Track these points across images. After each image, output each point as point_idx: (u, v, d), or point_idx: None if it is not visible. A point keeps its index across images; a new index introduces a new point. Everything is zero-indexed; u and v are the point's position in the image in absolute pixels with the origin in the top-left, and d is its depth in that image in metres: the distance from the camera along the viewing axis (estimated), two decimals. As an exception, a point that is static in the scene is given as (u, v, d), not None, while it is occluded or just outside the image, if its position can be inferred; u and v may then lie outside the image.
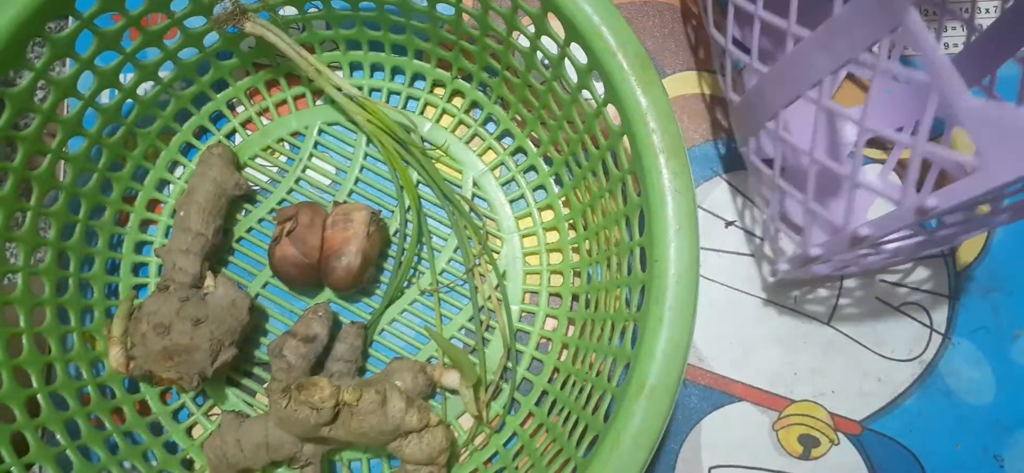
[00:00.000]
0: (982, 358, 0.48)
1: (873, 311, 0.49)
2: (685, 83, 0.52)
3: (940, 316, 0.49)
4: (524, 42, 0.43)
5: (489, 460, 0.47)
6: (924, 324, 0.49)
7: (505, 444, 0.47)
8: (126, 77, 0.47)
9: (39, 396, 0.43)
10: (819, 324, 0.49)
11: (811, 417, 0.48)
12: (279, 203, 0.51)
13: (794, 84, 0.38)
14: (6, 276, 0.43)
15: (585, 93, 0.41)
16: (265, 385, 0.48)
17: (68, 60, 0.42)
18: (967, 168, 0.31)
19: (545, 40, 0.40)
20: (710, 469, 0.48)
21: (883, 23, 0.32)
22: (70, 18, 0.40)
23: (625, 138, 0.37)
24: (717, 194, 0.51)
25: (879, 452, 0.47)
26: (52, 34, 0.40)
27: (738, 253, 0.50)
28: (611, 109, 0.39)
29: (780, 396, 0.48)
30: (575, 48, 0.38)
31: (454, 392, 0.47)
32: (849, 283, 0.49)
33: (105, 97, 0.50)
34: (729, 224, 0.50)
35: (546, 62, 0.42)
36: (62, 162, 0.45)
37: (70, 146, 0.45)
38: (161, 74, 0.48)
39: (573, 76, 0.41)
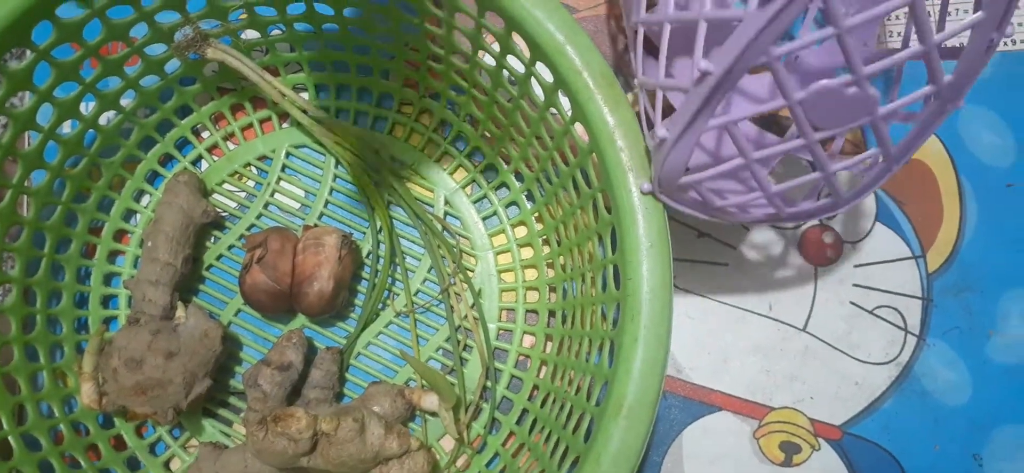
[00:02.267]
0: (957, 358, 0.48)
1: (847, 315, 0.49)
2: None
3: (914, 318, 0.49)
4: (490, 61, 0.43)
5: (471, 482, 0.47)
6: (899, 327, 0.49)
7: (487, 464, 0.46)
8: (87, 107, 0.46)
9: (10, 438, 0.42)
10: (795, 330, 0.49)
11: (791, 424, 0.48)
12: (248, 229, 0.50)
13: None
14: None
15: (553, 109, 0.41)
16: (242, 415, 0.47)
17: (26, 93, 0.41)
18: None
19: (511, 58, 0.40)
20: (693, 480, 0.48)
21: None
22: (27, 50, 0.39)
23: (594, 155, 0.37)
24: (690, 203, 0.51)
25: (859, 456, 0.47)
26: (8, 67, 0.39)
27: (712, 262, 0.50)
28: (579, 126, 0.38)
29: (759, 404, 0.48)
30: (541, 67, 0.38)
31: (434, 415, 0.47)
32: (823, 290, 0.49)
33: (66, 128, 0.49)
34: (701, 235, 0.50)
35: (512, 80, 0.42)
36: (24, 196, 0.44)
37: (32, 179, 0.44)
38: (123, 102, 0.47)
39: (540, 94, 0.40)
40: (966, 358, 0.48)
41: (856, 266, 0.50)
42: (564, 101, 0.39)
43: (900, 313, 0.49)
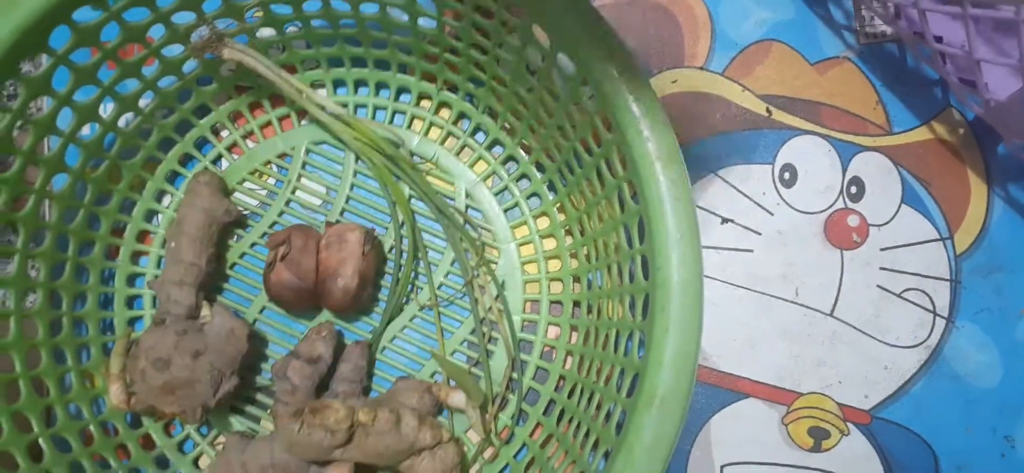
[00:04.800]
0: (987, 340, 0.48)
1: (875, 299, 0.49)
2: (673, 82, 0.52)
3: (942, 300, 0.49)
4: (510, 54, 0.42)
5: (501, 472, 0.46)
6: (927, 309, 0.48)
7: (515, 455, 0.46)
8: (106, 109, 0.46)
9: (41, 440, 0.42)
10: (822, 315, 0.49)
11: (820, 409, 0.48)
12: (271, 227, 0.50)
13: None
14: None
15: (576, 101, 0.40)
16: (269, 409, 0.47)
17: (45, 98, 0.41)
18: None
19: (532, 50, 0.40)
20: (722, 467, 0.47)
21: None
22: (44, 56, 0.39)
23: (618, 145, 0.37)
24: (712, 191, 0.50)
25: (889, 440, 0.47)
26: (26, 74, 0.39)
27: (736, 249, 0.50)
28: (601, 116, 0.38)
29: (787, 390, 0.48)
30: (562, 59, 0.38)
31: (461, 412, 0.47)
32: (849, 274, 0.49)
33: (86, 131, 0.49)
34: (725, 221, 0.50)
35: (532, 72, 0.42)
36: (47, 201, 0.45)
37: (54, 184, 0.44)
38: (141, 104, 0.47)
39: (561, 85, 0.40)
40: (996, 339, 0.48)
41: (882, 249, 0.49)
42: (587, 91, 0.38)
43: (929, 296, 0.48)
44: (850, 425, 0.47)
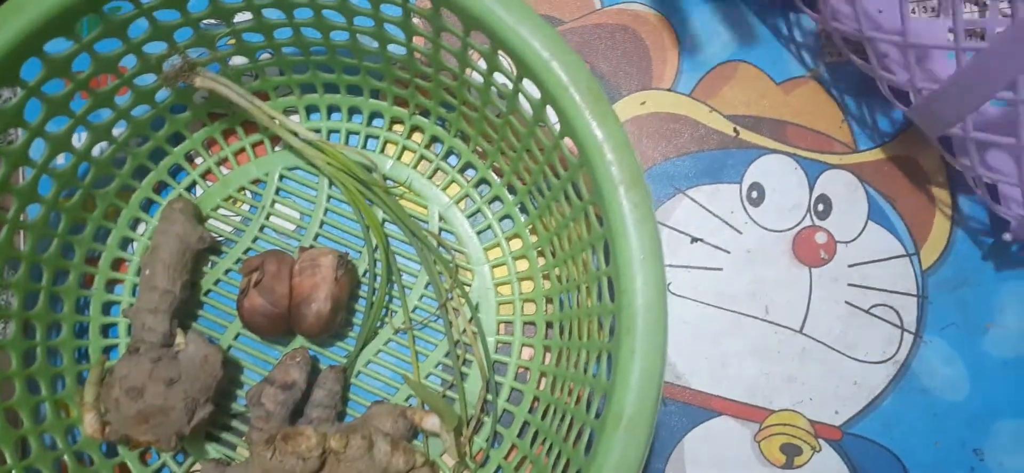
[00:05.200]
0: (954, 354, 0.48)
1: (843, 315, 0.49)
2: (641, 104, 0.52)
3: (910, 316, 0.49)
4: (478, 78, 0.43)
5: (475, 496, 0.47)
6: (895, 325, 0.49)
7: (489, 478, 0.47)
8: (79, 139, 0.46)
9: (14, 472, 0.42)
10: (791, 332, 0.49)
11: (792, 426, 0.48)
12: (244, 253, 0.50)
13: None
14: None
15: (543, 123, 0.41)
16: (244, 436, 0.47)
17: (18, 130, 0.41)
18: None
19: (499, 75, 0.40)
20: (695, 485, 0.48)
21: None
22: (17, 89, 0.40)
23: (584, 169, 0.37)
24: (680, 211, 0.51)
25: (860, 455, 0.48)
26: (-2, 107, 0.39)
27: (706, 267, 0.50)
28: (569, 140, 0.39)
29: (759, 407, 0.48)
30: (528, 83, 0.38)
31: (435, 435, 0.47)
32: (818, 291, 0.49)
33: (60, 161, 0.49)
34: (694, 240, 0.50)
35: (501, 95, 0.42)
36: (21, 231, 0.45)
37: (28, 213, 0.45)
38: (115, 133, 0.48)
39: (528, 109, 0.41)
40: (963, 353, 0.48)
41: (850, 265, 0.50)
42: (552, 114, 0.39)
43: (896, 311, 0.49)
44: (821, 441, 0.48)
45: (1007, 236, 0.46)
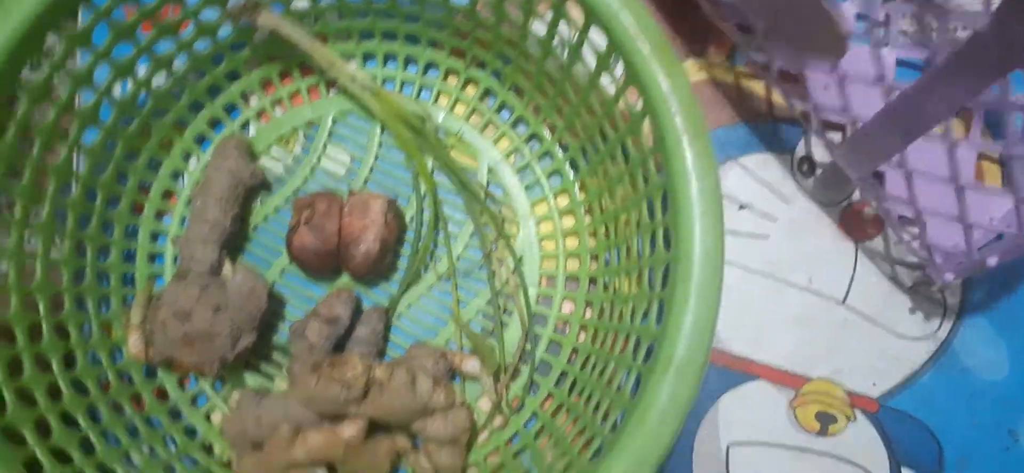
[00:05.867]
0: (996, 335, 0.49)
1: (887, 291, 0.49)
2: (697, 70, 0.53)
3: (954, 296, 0.49)
4: (540, 28, 0.43)
5: (510, 440, 0.47)
6: (938, 302, 0.49)
7: (525, 424, 0.47)
8: (141, 69, 0.47)
9: (60, 381, 0.43)
10: (834, 303, 0.49)
11: (828, 395, 0.48)
12: (295, 192, 0.51)
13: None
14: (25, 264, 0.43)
15: (604, 77, 0.41)
16: (285, 366, 0.48)
17: (81, 52, 0.42)
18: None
19: (563, 24, 0.41)
20: (728, 447, 0.48)
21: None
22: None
23: (647, 121, 0.38)
24: (731, 178, 0.51)
25: (895, 428, 0.48)
26: (67, 28, 0.40)
27: (752, 235, 0.50)
28: (630, 93, 0.39)
29: (797, 374, 0.49)
30: (594, 33, 0.39)
31: (474, 379, 0.48)
32: (862, 265, 0.50)
33: (120, 89, 0.50)
34: (742, 207, 0.51)
35: (563, 47, 0.43)
36: (78, 153, 0.46)
37: (86, 137, 0.45)
38: (175, 65, 0.48)
39: (591, 61, 0.41)
40: (1005, 335, 0.49)
41: (896, 242, 0.50)
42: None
43: (940, 290, 0.49)
44: (857, 412, 0.48)
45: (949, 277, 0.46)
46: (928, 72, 0.39)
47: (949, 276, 0.45)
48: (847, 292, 0.49)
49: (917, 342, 0.49)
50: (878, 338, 0.49)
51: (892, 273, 0.50)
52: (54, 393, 0.42)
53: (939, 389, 0.48)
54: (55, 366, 0.43)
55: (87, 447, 0.42)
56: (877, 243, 0.50)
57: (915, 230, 0.47)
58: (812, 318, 0.49)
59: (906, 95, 0.40)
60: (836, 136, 0.50)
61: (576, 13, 0.39)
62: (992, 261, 0.42)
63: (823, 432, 0.48)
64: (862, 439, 0.48)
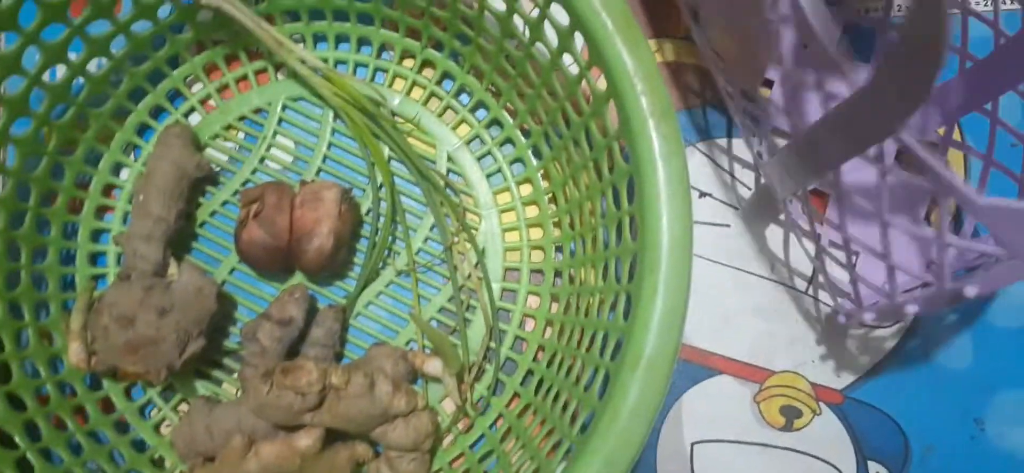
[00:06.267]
0: (959, 322, 0.49)
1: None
2: (656, 50, 0.51)
3: (918, 282, 0.49)
4: (499, 5, 0.42)
5: (474, 444, 0.46)
6: (902, 291, 0.49)
7: (491, 426, 0.46)
8: (74, 54, 0.44)
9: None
10: (797, 293, 0.49)
11: (792, 388, 0.48)
12: (243, 184, 0.49)
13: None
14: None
15: (566, 57, 0.40)
16: (236, 373, 0.46)
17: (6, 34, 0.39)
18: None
19: (522, 2, 0.39)
20: (693, 445, 0.47)
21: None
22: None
23: (611, 103, 0.36)
24: (691, 164, 0.49)
25: (861, 420, 0.47)
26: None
27: (712, 223, 0.49)
28: (594, 73, 0.38)
29: (760, 368, 0.48)
30: (556, 8, 0.37)
31: (436, 380, 0.46)
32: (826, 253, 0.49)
33: (50, 75, 0.47)
34: (703, 195, 0.50)
35: (524, 25, 0.41)
36: (6, 145, 0.43)
37: (15, 128, 0.42)
38: (113, 49, 0.45)
39: (553, 40, 0.39)
40: (968, 322, 0.48)
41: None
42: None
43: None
44: (822, 405, 0.48)
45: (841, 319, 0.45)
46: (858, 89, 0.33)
47: (868, 316, 0.43)
48: (810, 281, 0.49)
49: (882, 332, 0.48)
50: (842, 328, 0.48)
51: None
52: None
53: (904, 379, 0.48)
54: (-11, 379, 0.40)
55: (25, 468, 0.40)
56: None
57: (842, 257, 0.43)
58: (775, 308, 0.48)
59: (846, 105, 0.36)
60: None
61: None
62: (912, 309, 0.39)
63: (788, 427, 0.47)
64: (828, 433, 0.47)
